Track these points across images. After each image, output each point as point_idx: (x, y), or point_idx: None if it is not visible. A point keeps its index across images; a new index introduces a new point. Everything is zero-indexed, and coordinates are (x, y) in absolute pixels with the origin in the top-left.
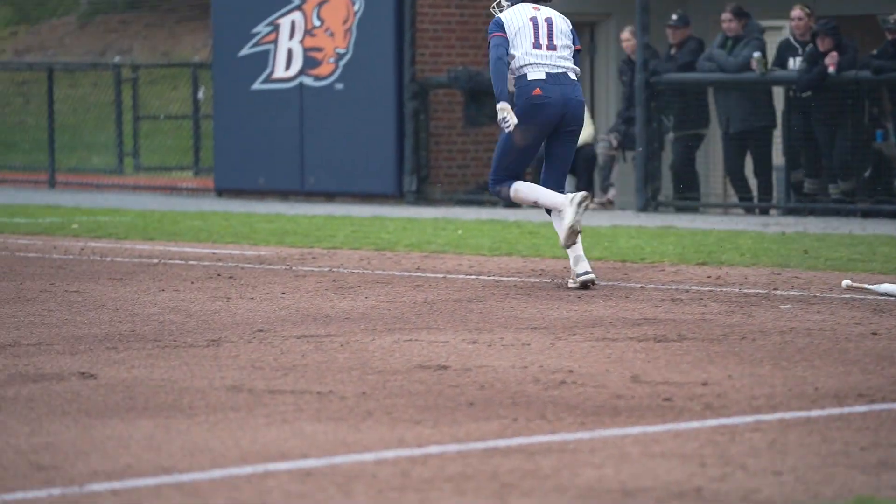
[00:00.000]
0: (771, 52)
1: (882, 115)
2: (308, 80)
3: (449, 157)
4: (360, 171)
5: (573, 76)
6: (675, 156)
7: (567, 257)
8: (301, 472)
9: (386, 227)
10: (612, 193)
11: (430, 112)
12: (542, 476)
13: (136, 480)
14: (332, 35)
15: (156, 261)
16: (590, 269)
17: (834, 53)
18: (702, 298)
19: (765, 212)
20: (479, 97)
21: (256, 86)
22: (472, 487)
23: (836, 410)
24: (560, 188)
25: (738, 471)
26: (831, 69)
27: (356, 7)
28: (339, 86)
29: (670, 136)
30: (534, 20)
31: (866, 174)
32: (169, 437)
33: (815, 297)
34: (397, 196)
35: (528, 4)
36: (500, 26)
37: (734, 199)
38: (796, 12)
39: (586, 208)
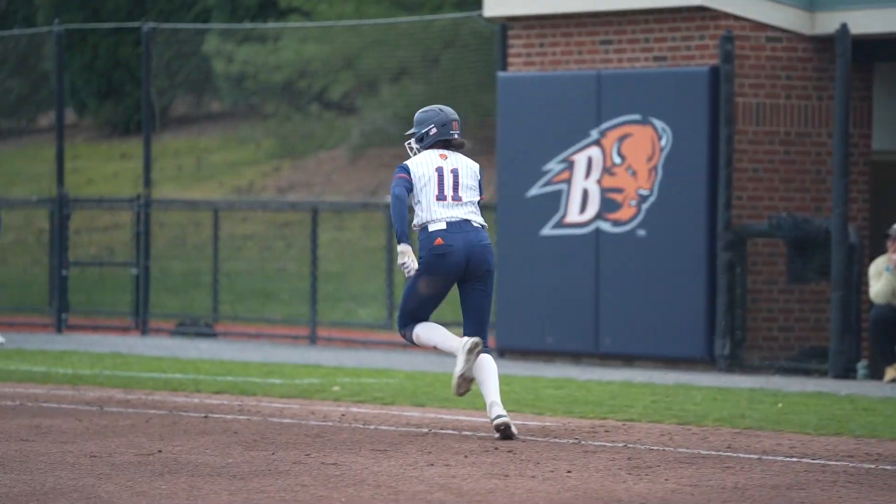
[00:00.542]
0: None
1: None
2: (606, 226)
3: (769, 317)
4: (664, 332)
5: (477, 224)
6: None
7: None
8: None
9: (692, 397)
10: None
11: (747, 264)
12: None
13: None
14: (634, 174)
15: (425, 430)
16: (504, 413)
17: None
18: None
19: None
20: (806, 248)
21: (546, 231)
22: None
23: None
24: (482, 337)
25: None
26: None
27: (663, 143)
28: (642, 232)
29: None
30: (439, 171)
31: None
32: None
33: None
34: (707, 361)
35: (437, 152)
36: (406, 171)
37: None
38: None
39: (477, 355)
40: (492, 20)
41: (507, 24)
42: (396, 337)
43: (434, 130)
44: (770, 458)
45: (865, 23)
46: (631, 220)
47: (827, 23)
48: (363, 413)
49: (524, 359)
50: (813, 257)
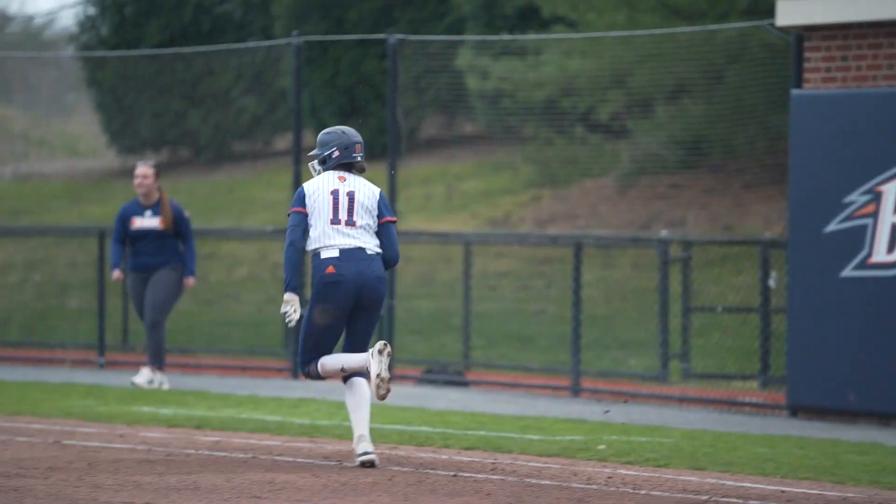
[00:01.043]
0: None
1: None
2: None
3: None
4: None
5: (371, 251)
6: None
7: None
8: None
9: None
10: None
11: None
12: None
13: None
14: None
15: (705, 497)
16: (371, 450)
17: None
18: None
19: None
20: None
21: (847, 272)
22: None
23: None
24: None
25: None
26: None
27: None
28: None
29: None
30: (335, 194)
31: None
32: None
33: None
34: None
35: (336, 174)
36: (302, 199)
37: None
38: None
39: (389, 356)
40: (786, 30)
41: (803, 35)
42: (672, 390)
43: (336, 153)
44: None
45: None
46: None
47: None
48: (633, 476)
49: (821, 418)
50: None
